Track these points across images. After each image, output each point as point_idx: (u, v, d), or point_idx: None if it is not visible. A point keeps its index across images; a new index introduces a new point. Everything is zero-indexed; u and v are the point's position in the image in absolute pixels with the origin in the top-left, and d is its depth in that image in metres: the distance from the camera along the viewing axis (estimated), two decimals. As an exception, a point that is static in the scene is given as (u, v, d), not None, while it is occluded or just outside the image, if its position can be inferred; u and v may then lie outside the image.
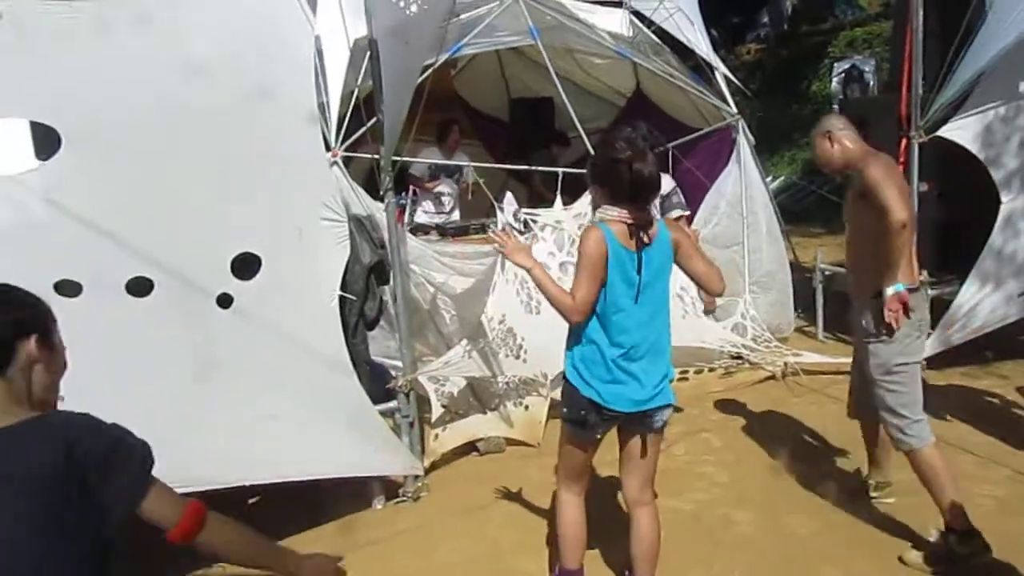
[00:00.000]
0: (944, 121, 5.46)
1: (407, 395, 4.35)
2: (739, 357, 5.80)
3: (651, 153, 2.84)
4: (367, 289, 4.28)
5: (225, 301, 3.76)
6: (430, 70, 5.30)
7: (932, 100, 5.37)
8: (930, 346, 5.59)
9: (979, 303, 5.43)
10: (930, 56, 5.49)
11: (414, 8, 3.38)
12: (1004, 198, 5.32)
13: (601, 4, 7.26)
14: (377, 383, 4.45)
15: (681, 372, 5.60)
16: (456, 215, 7.05)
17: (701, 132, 6.64)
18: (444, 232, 6.42)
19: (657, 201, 4.52)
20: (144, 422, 1.75)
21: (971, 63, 5.05)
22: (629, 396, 2.93)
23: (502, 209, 5.81)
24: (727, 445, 4.81)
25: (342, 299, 4.09)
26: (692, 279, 3.12)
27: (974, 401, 5.19)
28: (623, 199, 2.86)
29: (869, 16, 15.14)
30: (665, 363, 3.02)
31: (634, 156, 2.80)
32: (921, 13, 5.30)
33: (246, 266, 3.79)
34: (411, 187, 6.69)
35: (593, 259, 2.83)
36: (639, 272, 2.87)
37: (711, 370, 5.72)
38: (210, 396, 3.68)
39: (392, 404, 4.36)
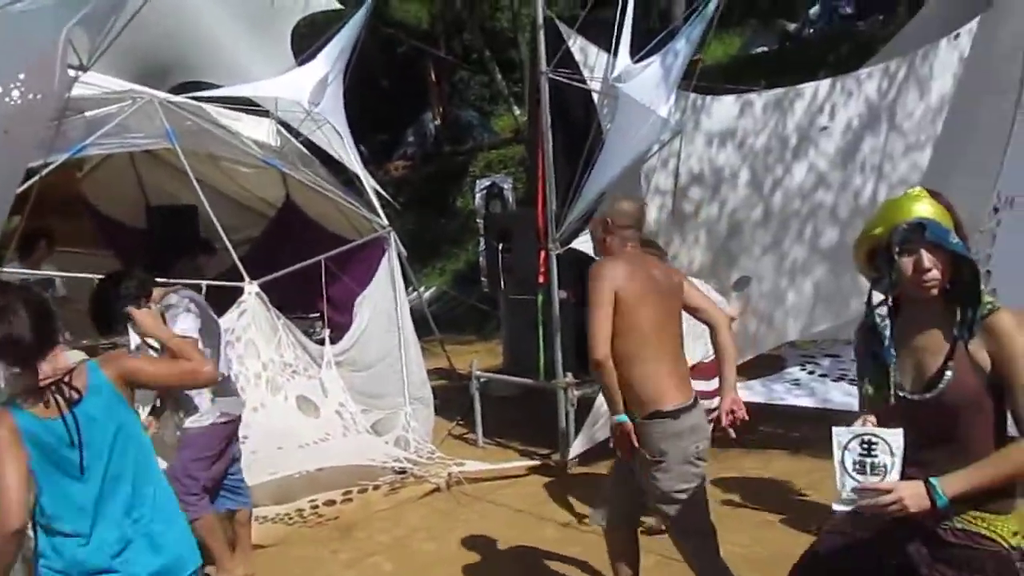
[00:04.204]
0: (576, 234, 5.94)
1: None
2: (403, 472, 5.63)
3: (24, 309, 2.15)
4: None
5: None
6: (46, 171, 4.66)
7: (565, 215, 5.83)
8: (579, 444, 5.88)
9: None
10: (561, 174, 5.98)
11: (16, 95, 2.86)
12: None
13: (247, 112, 7.05)
14: None
15: (344, 493, 5.28)
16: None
17: (354, 244, 6.57)
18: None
19: (165, 310, 3.80)
20: None
21: (595, 182, 5.56)
22: None
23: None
24: (399, 568, 4.55)
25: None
26: None
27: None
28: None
29: (504, 140, 16.69)
30: (172, 548, 2.30)
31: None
32: (550, 137, 5.78)
33: None
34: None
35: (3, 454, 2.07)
36: (74, 443, 2.14)
37: (376, 488, 5.45)
38: None
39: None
